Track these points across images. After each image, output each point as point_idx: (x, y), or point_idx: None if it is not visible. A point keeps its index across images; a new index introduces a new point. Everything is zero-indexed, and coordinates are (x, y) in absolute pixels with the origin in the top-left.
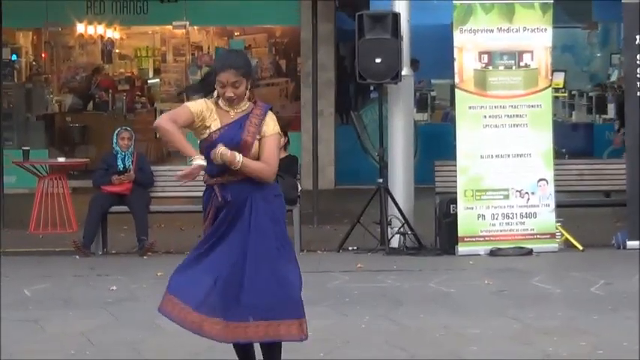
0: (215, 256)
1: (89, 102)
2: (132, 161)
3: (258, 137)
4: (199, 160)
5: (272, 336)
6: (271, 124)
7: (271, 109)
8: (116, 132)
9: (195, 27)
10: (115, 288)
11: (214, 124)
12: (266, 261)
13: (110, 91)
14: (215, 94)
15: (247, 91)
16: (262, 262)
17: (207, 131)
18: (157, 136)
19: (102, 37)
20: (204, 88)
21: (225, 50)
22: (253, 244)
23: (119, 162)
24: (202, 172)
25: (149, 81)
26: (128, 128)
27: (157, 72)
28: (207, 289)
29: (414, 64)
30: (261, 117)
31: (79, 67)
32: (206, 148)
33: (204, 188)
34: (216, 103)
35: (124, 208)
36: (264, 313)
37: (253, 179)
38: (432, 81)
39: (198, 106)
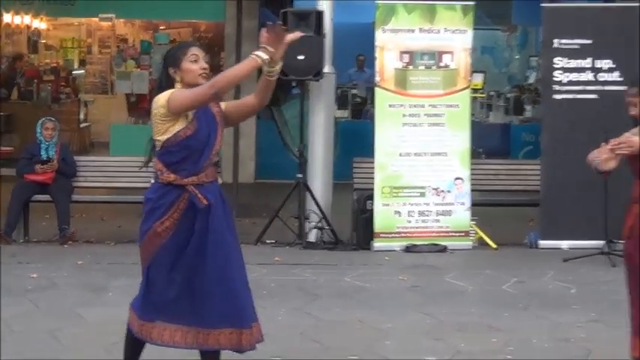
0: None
1: (13, 91)
2: (55, 151)
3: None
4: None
5: (235, 344)
6: None
7: None
8: (40, 122)
9: (121, 20)
10: (35, 276)
11: (184, 118)
12: (241, 267)
13: (35, 80)
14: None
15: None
16: (238, 268)
17: (178, 126)
18: (81, 126)
19: (28, 27)
20: (168, 85)
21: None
22: (229, 250)
23: (42, 152)
24: (162, 170)
25: (74, 72)
26: (52, 118)
27: (82, 63)
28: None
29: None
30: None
31: (3, 56)
32: (184, 139)
33: (148, 186)
34: None
35: (47, 197)
36: (234, 321)
37: (215, 180)
38: (354, 78)
39: None
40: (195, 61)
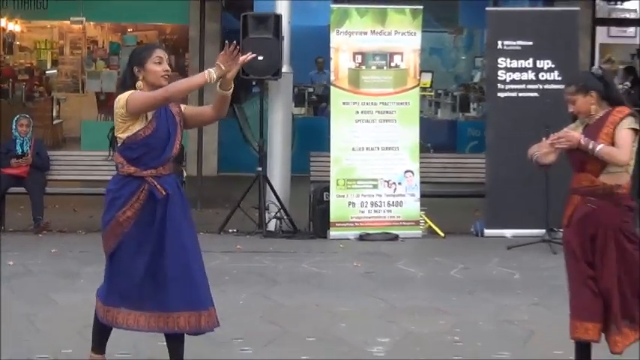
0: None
1: None
2: (30, 146)
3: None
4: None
5: (193, 326)
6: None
7: None
8: (15, 119)
9: (91, 23)
10: (12, 263)
11: (143, 118)
12: (197, 253)
13: (10, 80)
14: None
15: None
16: (195, 255)
17: (138, 126)
18: (54, 122)
19: (4, 29)
20: (132, 83)
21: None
22: (187, 238)
23: (18, 147)
24: (122, 164)
25: (47, 72)
26: (26, 116)
27: (54, 63)
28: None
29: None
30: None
31: None
32: (143, 138)
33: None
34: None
35: (22, 189)
36: (192, 304)
37: (173, 173)
38: (311, 78)
39: None
40: (159, 63)
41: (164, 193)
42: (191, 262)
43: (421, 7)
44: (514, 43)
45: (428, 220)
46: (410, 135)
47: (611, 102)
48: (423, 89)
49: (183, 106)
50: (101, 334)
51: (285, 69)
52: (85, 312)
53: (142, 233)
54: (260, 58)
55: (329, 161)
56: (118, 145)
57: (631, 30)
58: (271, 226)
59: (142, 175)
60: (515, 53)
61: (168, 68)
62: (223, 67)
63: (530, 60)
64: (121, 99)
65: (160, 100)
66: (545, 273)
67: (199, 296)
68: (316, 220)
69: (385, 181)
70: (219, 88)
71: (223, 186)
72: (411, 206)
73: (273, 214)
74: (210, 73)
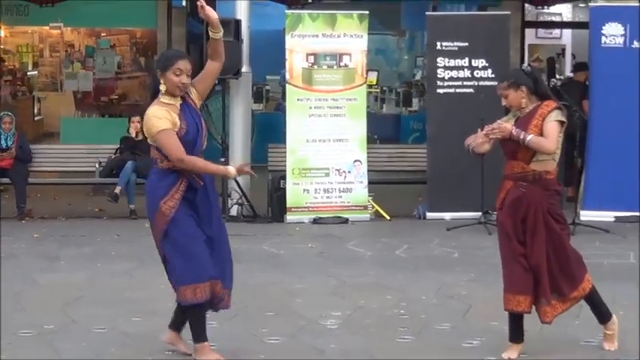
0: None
1: None
2: (13, 141)
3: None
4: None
5: (227, 303)
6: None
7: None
8: None
9: (69, 28)
10: None
11: (177, 120)
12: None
13: None
14: (162, 91)
15: None
16: (226, 240)
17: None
18: (35, 119)
19: None
20: (157, 84)
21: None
22: (220, 224)
23: (2, 141)
24: (160, 159)
25: (28, 73)
26: (9, 113)
27: (35, 65)
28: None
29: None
30: (188, 97)
31: None
32: (180, 138)
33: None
34: (162, 103)
35: (6, 180)
36: (229, 282)
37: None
38: (267, 77)
39: (166, 115)
40: (177, 75)
41: (201, 183)
42: (227, 242)
43: (367, 12)
44: (451, 44)
45: (375, 205)
46: (358, 128)
47: (539, 96)
48: (370, 86)
49: (193, 90)
50: (201, 322)
51: (244, 69)
52: (64, 290)
53: (188, 215)
54: None
55: (285, 152)
56: (151, 143)
57: (557, 31)
58: (233, 211)
59: (179, 169)
60: (453, 53)
61: (186, 81)
62: (240, 172)
63: (466, 59)
64: (151, 126)
65: (174, 161)
66: (481, 252)
67: (231, 275)
68: (274, 205)
69: (336, 169)
70: (210, 33)
71: None
72: (360, 192)
73: (235, 200)
74: (229, 173)
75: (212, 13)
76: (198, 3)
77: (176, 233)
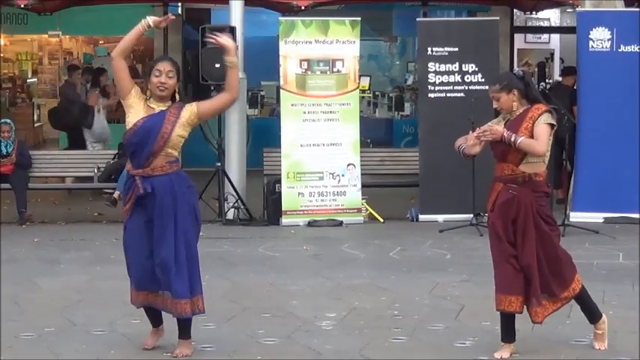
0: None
1: None
2: (13, 147)
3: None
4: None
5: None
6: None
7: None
8: None
9: (67, 36)
10: None
11: (139, 112)
12: (192, 246)
13: None
14: (148, 96)
15: (176, 93)
16: (188, 247)
17: (127, 128)
18: (35, 125)
19: None
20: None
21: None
22: (181, 231)
23: (2, 148)
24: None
25: (28, 80)
26: (8, 121)
27: (34, 73)
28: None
29: None
30: (179, 109)
31: None
32: (131, 136)
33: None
34: (146, 100)
35: (7, 185)
36: (191, 290)
37: (173, 174)
38: (262, 82)
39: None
40: (156, 76)
41: (142, 190)
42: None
43: (359, 18)
44: (442, 49)
45: (369, 208)
46: (351, 132)
47: (530, 100)
48: (362, 91)
49: (194, 107)
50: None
51: (239, 75)
52: (64, 294)
53: (132, 231)
54: (217, 65)
55: (280, 156)
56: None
57: (545, 36)
58: (230, 215)
59: (133, 173)
60: (443, 58)
61: (165, 81)
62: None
63: (457, 64)
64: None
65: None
66: (473, 253)
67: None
68: (269, 209)
69: (330, 173)
70: (225, 59)
71: None
72: (354, 195)
73: (231, 204)
74: (143, 22)
75: (226, 42)
76: (210, 39)
77: (125, 238)
